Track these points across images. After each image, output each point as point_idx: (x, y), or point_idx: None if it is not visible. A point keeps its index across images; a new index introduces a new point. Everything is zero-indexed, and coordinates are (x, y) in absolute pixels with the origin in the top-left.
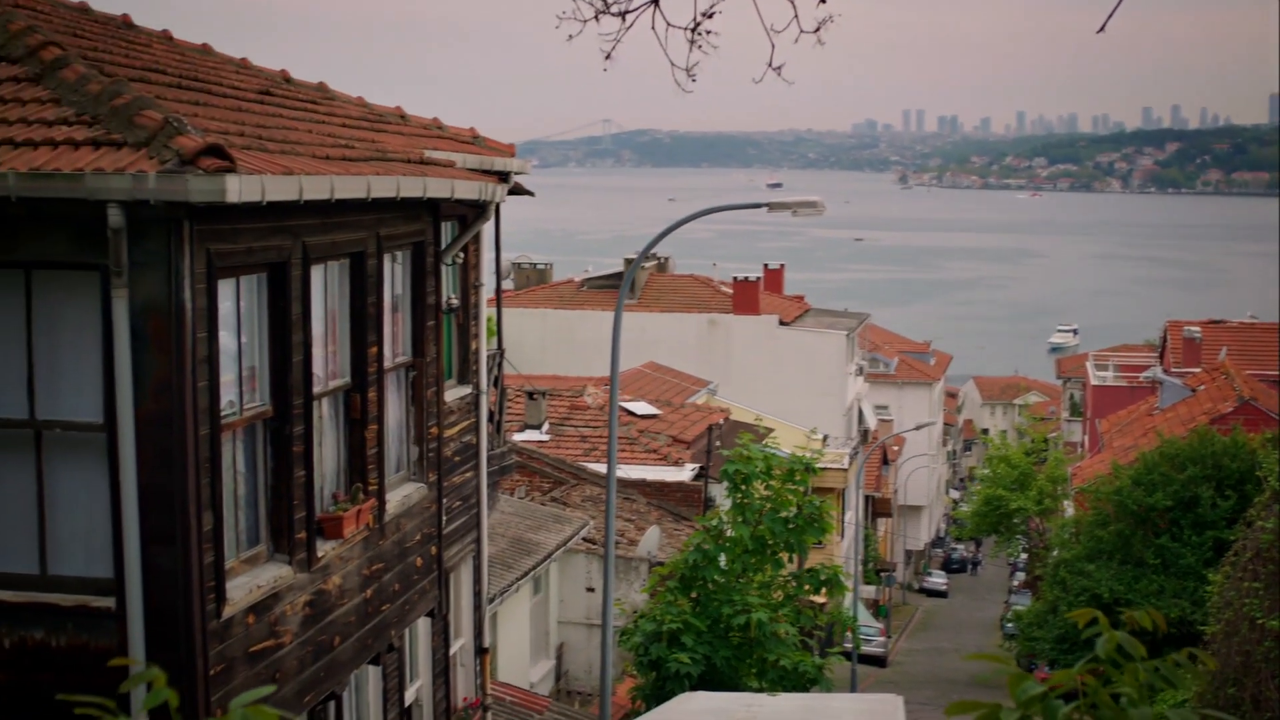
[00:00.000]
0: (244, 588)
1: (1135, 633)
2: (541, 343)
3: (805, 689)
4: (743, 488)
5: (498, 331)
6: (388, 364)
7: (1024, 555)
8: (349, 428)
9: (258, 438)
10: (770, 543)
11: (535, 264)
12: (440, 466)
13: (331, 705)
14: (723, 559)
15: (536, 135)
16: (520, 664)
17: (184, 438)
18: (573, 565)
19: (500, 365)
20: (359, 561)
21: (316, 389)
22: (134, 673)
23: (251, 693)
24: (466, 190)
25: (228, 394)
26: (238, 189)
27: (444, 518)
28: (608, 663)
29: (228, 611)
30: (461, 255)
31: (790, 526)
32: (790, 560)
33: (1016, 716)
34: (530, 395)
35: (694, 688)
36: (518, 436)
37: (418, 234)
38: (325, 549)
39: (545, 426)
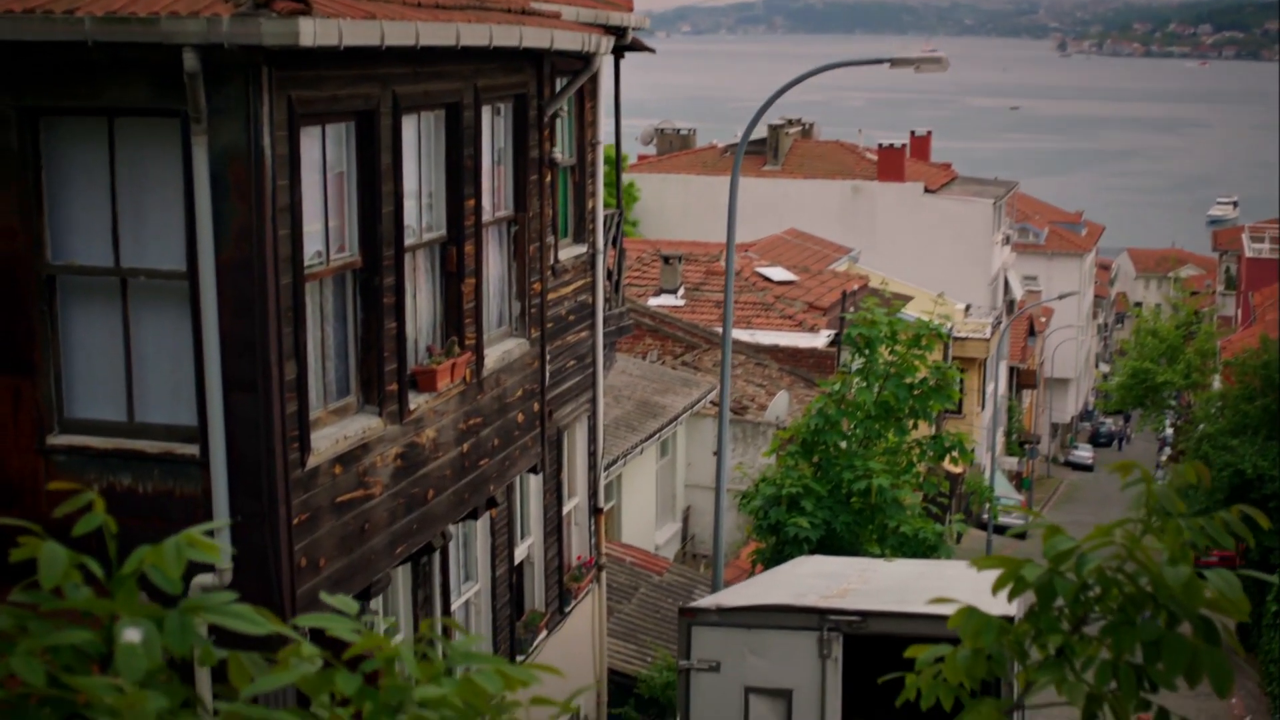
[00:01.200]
0: (330, 438)
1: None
2: (684, 208)
3: (926, 555)
4: (866, 352)
5: (617, 192)
6: (487, 218)
7: (1170, 430)
8: (445, 281)
9: (347, 289)
10: (894, 408)
11: (678, 129)
12: (544, 322)
13: (436, 557)
14: (845, 424)
15: (688, 1)
16: (646, 526)
17: (264, 285)
18: (701, 429)
19: (619, 225)
20: (455, 415)
21: (409, 241)
22: (75, 498)
23: (199, 526)
24: (567, 41)
25: (313, 244)
26: (312, 32)
27: (548, 374)
28: (721, 525)
29: (313, 461)
30: (566, 109)
31: (915, 392)
32: (915, 427)
33: (1041, 571)
34: (666, 260)
35: (813, 552)
36: (652, 301)
37: (519, 86)
38: (418, 402)
39: (681, 291)
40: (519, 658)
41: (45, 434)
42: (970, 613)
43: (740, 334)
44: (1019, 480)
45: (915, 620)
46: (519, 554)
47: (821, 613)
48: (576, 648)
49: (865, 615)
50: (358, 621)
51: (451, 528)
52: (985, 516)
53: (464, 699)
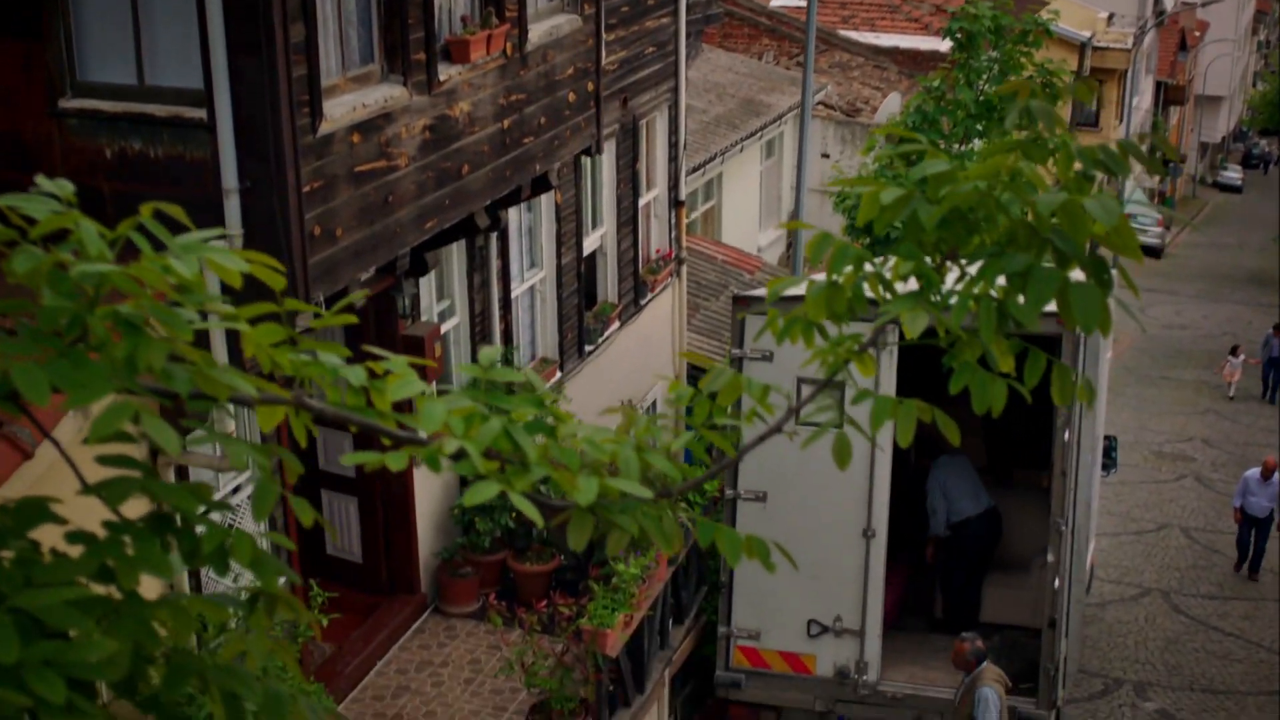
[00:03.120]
0: (347, 105)
1: None
2: None
3: None
4: (968, 47)
5: None
6: None
7: None
8: None
9: None
10: (997, 107)
11: None
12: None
13: (493, 241)
14: (945, 123)
15: None
16: (749, 228)
17: None
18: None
19: None
20: (493, 90)
21: None
22: None
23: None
24: None
25: None
26: None
27: (610, 55)
28: (800, 216)
29: (325, 128)
30: None
31: None
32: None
33: (899, 195)
34: None
35: None
36: (775, 2)
37: None
38: (450, 73)
39: None
40: (587, 348)
41: (58, 98)
42: (825, 238)
43: (862, 35)
44: (1161, 198)
45: None
46: (589, 244)
47: (876, 303)
48: (653, 341)
49: None
50: (57, 202)
51: (511, 212)
52: None
53: (146, 279)
